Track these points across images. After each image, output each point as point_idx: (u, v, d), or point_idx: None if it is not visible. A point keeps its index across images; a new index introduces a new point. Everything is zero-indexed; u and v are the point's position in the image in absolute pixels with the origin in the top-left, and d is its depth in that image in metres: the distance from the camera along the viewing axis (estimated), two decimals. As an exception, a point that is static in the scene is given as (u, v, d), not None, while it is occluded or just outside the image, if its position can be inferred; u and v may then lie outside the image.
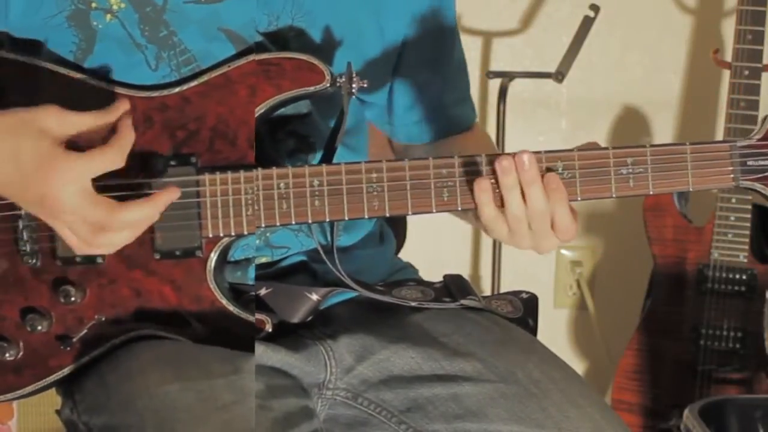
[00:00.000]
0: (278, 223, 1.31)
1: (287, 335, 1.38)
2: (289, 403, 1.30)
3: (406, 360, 1.37)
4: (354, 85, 1.34)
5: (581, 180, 1.29)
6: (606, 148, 1.29)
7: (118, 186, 1.30)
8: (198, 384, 1.24)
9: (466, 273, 2.89)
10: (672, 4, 2.79)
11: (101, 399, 1.30)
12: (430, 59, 1.53)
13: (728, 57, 2.47)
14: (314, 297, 1.37)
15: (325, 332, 1.41)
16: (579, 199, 1.29)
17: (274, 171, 1.31)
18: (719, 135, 2.63)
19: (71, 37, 1.37)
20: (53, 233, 1.30)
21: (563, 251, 2.89)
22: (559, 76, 2.46)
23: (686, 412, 1.86)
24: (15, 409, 2.32)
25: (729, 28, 2.61)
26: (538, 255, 2.98)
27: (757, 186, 1.28)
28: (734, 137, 2.41)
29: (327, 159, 1.36)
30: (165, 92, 1.34)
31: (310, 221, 1.31)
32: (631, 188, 1.29)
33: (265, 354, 1.33)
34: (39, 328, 1.32)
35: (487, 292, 2.82)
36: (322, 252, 1.38)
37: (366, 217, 1.31)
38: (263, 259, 1.42)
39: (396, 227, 1.68)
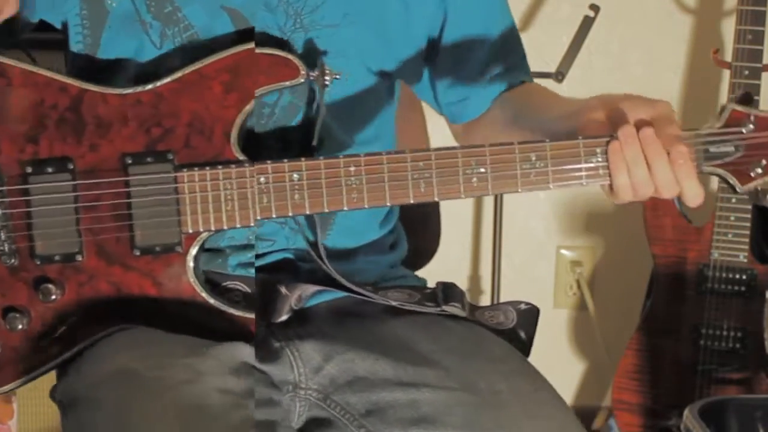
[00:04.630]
0: (258, 217, 1.32)
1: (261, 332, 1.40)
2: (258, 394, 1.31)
3: (369, 362, 1.38)
4: (327, 78, 1.36)
5: (553, 169, 1.31)
6: (578, 138, 1.32)
7: (95, 185, 1.31)
8: (160, 362, 1.27)
9: (466, 273, 2.89)
10: (672, 4, 2.79)
11: (74, 379, 1.33)
12: (470, 34, 1.54)
13: (728, 57, 2.47)
14: (286, 292, 1.39)
15: (298, 332, 1.42)
16: (551, 187, 1.32)
17: (256, 167, 1.32)
18: (719, 135, 2.63)
19: (79, 15, 1.40)
20: (31, 232, 1.32)
21: (563, 251, 2.90)
22: (559, 76, 2.46)
23: (686, 412, 1.86)
24: (15, 410, 2.32)
25: (729, 28, 2.61)
26: (538, 255, 2.97)
27: (719, 171, 1.33)
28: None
29: (307, 152, 1.36)
30: (139, 89, 1.34)
31: (290, 214, 1.33)
32: (600, 176, 1.32)
33: (250, 356, 1.34)
34: (19, 326, 1.33)
35: (488, 292, 2.81)
36: (307, 243, 1.38)
37: (345, 209, 1.32)
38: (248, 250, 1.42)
39: (426, 241, 1.70)
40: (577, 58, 2.47)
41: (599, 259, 2.91)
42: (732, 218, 2.46)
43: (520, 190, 1.33)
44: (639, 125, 1.29)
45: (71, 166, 1.32)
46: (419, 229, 1.81)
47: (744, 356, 2.50)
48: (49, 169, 1.32)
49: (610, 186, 1.32)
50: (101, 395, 1.28)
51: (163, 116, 1.33)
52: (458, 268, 2.85)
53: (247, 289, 1.41)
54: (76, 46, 1.43)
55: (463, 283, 2.89)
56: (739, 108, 1.33)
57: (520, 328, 1.45)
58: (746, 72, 2.42)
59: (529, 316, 1.47)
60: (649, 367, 2.56)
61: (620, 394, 2.59)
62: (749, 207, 2.46)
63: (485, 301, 2.86)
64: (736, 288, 2.49)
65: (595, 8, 2.42)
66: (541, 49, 2.78)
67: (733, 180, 1.33)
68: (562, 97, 1.51)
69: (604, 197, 3.05)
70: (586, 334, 2.90)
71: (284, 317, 1.41)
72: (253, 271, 1.42)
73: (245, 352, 1.33)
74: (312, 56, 1.40)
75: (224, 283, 1.41)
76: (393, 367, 1.36)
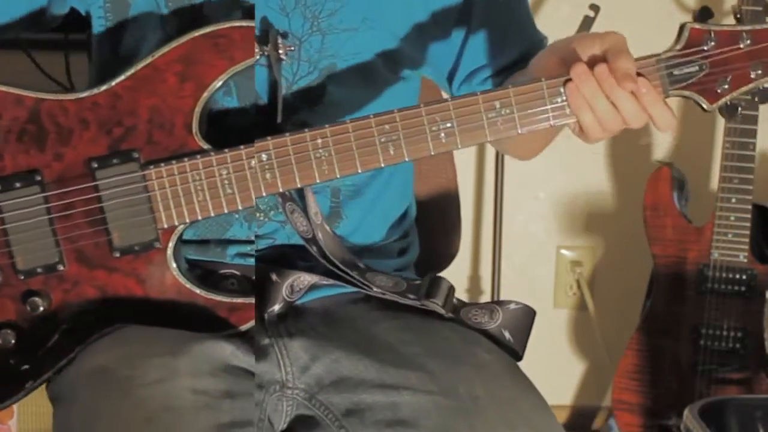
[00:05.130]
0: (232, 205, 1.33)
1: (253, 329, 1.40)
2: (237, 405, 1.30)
3: (354, 363, 1.37)
4: (281, 51, 1.36)
5: (519, 114, 1.31)
6: (540, 80, 1.31)
7: (65, 193, 1.32)
8: (135, 361, 1.28)
9: (466, 273, 2.89)
10: (672, 4, 2.80)
11: (62, 376, 1.35)
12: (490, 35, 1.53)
13: (728, 57, 2.47)
14: (276, 279, 1.40)
15: (289, 329, 1.42)
16: (520, 131, 1.31)
17: (221, 154, 1.32)
18: (719, 133, 2.62)
19: (102, 8, 1.42)
20: (10, 249, 1.32)
21: (563, 251, 2.89)
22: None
23: (686, 412, 1.86)
24: (15, 409, 2.32)
25: (729, 28, 2.61)
26: (538, 255, 2.97)
27: (686, 93, 1.32)
28: (735, 135, 2.42)
29: (273, 130, 1.36)
30: (95, 91, 1.34)
31: (264, 194, 1.33)
32: (567, 115, 1.31)
33: (232, 355, 1.34)
34: (12, 341, 1.33)
35: (488, 292, 2.81)
36: (301, 228, 1.38)
37: (318, 181, 1.33)
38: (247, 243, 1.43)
39: (448, 245, 1.69)
40: (577, 58, 2.46)
41: (599, 259, 2.91)
42: (732, 218, 2.46)
43: (489, 140, 1.32)
44: (592, 61, 1.28)
45: (39, 178, 1.33)
46: (439, 231, 1.82)
47: (744, 356, 2.50)
48: (18, 184, 1.32)
49: (580, 127, 1.31)
50: (77, 392, 1.30)
51: (122, 115, 1.33)
52: (458, 268, 2.85)
53: (242, 275, 1.41)
54: (98, 37, 1.45)
55: (463, 283, 2.89)
56: (698, 26, 1.32)
57: (505, 329, 1.43)
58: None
59: (520, 316, 1.44)
60: (649, 367, 2.56)
61: (620, 394, 2.59)
62: (749, 207, 2.46)
63: (485, 301, 2.86)
64: (736, 288, 2.49)
65: (595, 8, 2.42)
66: (541, 49, 2.78)
67: (702, 100, 1.32)
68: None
69: (604, 197, 3.05)
70: (586, 334, 2.90)
71: (277, 307, 1.41)
72: (251, 261, 1.42)
73: (227, 351, 1.33)
74: (266, 33, 1.39)
75: (220, 271, 1.41)
76: (377, 368, 1.36)
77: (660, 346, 2.55)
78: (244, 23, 1.33)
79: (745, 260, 2.47)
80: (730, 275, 2.48)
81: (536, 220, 2.88)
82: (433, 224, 1.79)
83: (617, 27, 2.73)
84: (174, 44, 1.33)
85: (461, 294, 2.89)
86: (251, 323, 1.37)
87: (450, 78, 1.55)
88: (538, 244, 2.89)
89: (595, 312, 2.85)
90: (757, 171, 2.44)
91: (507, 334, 1.43)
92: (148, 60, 1.33)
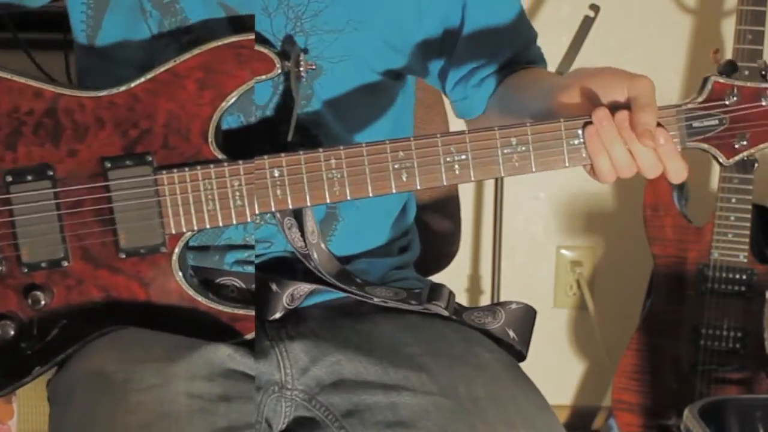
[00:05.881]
0: (241, 217, 1.33)
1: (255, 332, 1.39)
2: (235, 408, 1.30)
3: (355, 364, 1.37)
4: (301, 68, 1.35)
5: (535, 153, 1.30)
6: (558, 121, 1.30)
7: (76, 190, 1.31)
8: (132, 365, 1.28)
9: (466, 273, 2.89)
10: (672, 4, 2.80)
11: (59, 377, 1.35)
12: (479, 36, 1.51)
13: (728, 57, 2.47)
14: (277, 289, 1.39)
15: (289, 333, 1.41)
16: (534, 169, 1.30)
17: (234, 166, 1.32)
18: (719, 135, 2.63)
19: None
20: (16, 241, 1.32)
21: (563, 251, 2.90)
22: (559, 76, 2.46)
23: (686, 412, 1.86)
24: (15, 410, 2.32)
25: (729, 28, 2.61)
26: (538, 255, 2.97)
27: (703, 146, 1.31)
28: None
29: (284, 147, 1.35)
30: (113, 90, 1.33)
31: (273, 210, 1.32)
32: (583, 158, 1.30)
33: (229, 359, 1.34)
34: (11, 332, 1.33)
35: (488, 292, 2.81)
36: (295, 249, 1.38)
37: (327, 202, 1.32)
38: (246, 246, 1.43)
39: (448, 243, 1.69)
40: (577, 58, 2.47)
41: (599, 259, 2.91)
42: (732, 218, 2.46)
43: (503, 175, 1.31)
44: (614, 107, 1.27)
45: (51, 173, 1.32)
46: (438, 231, 1.81)
47: (744, 356, 2.50)
48: (29, 177, 1.32)
49: (593, 168, 1.30)
50: (74, 394, 1.29)
51: (139, 117, 1.33)
52: (458, 268, 2.85)
53: (242, 285, 1.41)
54: (79, 26, 1.44)
55: (463, 283, 2.89)
56: (722, 80, 1.30)
57: (509, 327, 1.43)
58: (746, 72, 2.41)
59: (521, 314, 1.44)
60: (649, 367, 2.56)
61: (620, 394, 2.59)
62: (749, 207, 2.46)
63: (485, 301, 2.87)
64: (736, 288, 2.49)
65: (595, 8, 2.42)
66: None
67: (719, 155, 1.31)
68: (545, 75, 1.49)
69: (604, 197, 3.05)
70: (586, 334, 2.90)
71: (278, 315, 1.41)
72: (249, 268, 1.42)
73: (224, 354, 1.33)
74: (288, 48, 1.39)
75: (218, 280, 1.41)
76: (377, 369, 1.35)
77: (660, 346, 2.55)
78: (247, 36, 1.33)
79: (745, 260, 2.47)
80: (730, 275, 2.48)
81: (536, 220, 2.89)
82: (433, 223, 1.79)
83: (617, 27, 2.74)
84: (196, 51, 1.32)
85: (461, 293, 2.90)
86: (254, 332, 1.37)
87: (442, 78, 1.54)
88: (538, 244, 2.89)
89: (595, 312, 2.85)
90: (757, 171, 2.44)
91: (511, 333, 1.43)
92: (170, 65, 1.32)
